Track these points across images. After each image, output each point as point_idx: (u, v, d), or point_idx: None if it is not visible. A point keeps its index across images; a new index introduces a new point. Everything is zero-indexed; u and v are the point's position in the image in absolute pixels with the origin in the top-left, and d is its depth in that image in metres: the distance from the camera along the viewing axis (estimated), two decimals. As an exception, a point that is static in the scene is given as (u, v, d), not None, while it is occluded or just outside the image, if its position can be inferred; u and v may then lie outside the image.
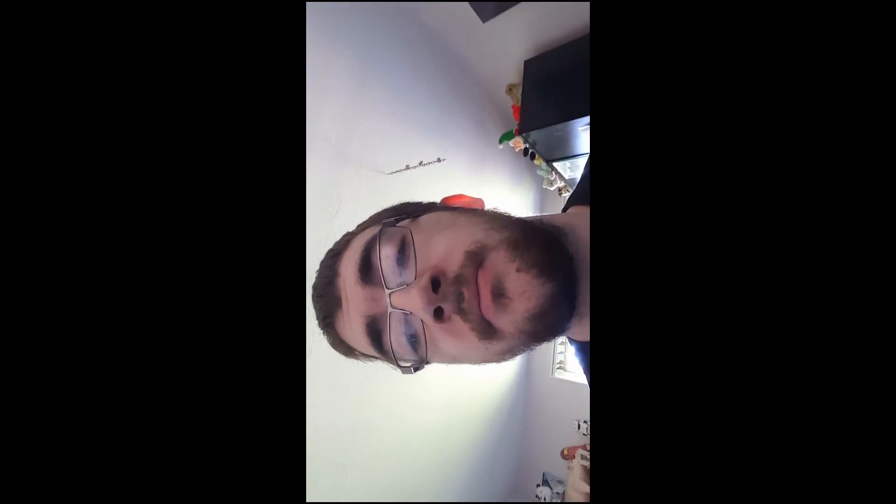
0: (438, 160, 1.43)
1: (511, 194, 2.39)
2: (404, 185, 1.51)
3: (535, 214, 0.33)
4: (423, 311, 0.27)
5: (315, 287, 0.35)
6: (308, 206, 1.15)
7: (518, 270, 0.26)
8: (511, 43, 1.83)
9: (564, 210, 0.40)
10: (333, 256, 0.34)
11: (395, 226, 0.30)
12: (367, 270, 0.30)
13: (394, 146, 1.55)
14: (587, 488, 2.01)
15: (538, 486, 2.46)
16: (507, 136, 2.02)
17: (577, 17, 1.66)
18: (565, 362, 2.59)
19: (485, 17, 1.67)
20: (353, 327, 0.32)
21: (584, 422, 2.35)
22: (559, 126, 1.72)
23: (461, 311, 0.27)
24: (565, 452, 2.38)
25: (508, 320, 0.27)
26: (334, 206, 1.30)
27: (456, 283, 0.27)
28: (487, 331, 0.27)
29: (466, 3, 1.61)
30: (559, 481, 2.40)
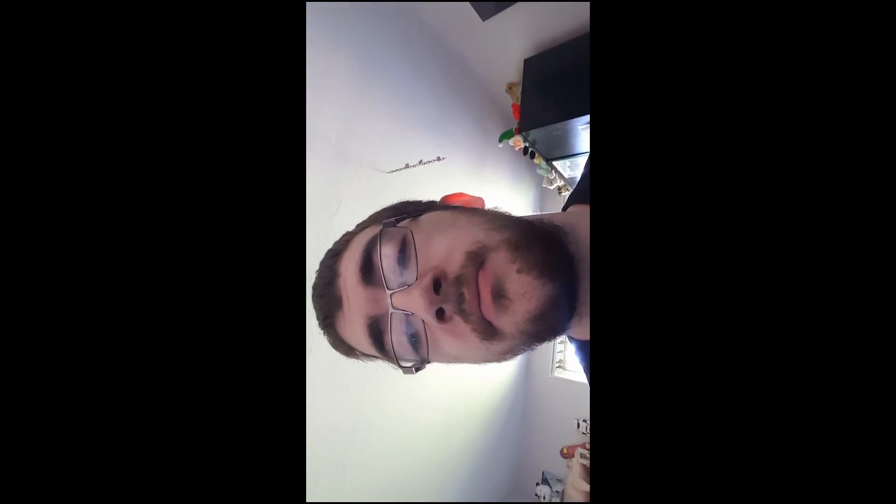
0: (438, 159, 1.42)
1: (511, 193, 2.39)
2: (404, 184, 1.51)
3: (535, 213, 0.33)
4: (425, 312, 0.27)
5: (315, 287, 0.35)
6: (308, 205, 1.15)
7: (519, 271, 0.26)
8: (511, 41, 1.83)
9: (564, 209, 0.40)
10: (333, 256, 0.34)
11: (395, 226, 0.30)
12: (369, 271, 0.30)
13: (393, 145, 1.55)
14: (587, 487, 2.01)
15: (538, 484, 2.47)
16: (506, 135, 2.02)
17: (577, 16, 1.66)
18: (565, 361, 2.59)
19: (485, 15, 1.66)
20: (355, 328, 0.32)
21: (584, 420, 2.35)
22: (559, 125, 1.72)
23: (462, 312, 0.27)
24: (564, 451, 2.38)
25: (509, 321, 0.27)
26: (334, 205, 1.30)
27: (457, 284, 0.27)
28: (488, 331, 0.27)
29: (466, 2, 1.61)
30: (558, 480, 2.40)
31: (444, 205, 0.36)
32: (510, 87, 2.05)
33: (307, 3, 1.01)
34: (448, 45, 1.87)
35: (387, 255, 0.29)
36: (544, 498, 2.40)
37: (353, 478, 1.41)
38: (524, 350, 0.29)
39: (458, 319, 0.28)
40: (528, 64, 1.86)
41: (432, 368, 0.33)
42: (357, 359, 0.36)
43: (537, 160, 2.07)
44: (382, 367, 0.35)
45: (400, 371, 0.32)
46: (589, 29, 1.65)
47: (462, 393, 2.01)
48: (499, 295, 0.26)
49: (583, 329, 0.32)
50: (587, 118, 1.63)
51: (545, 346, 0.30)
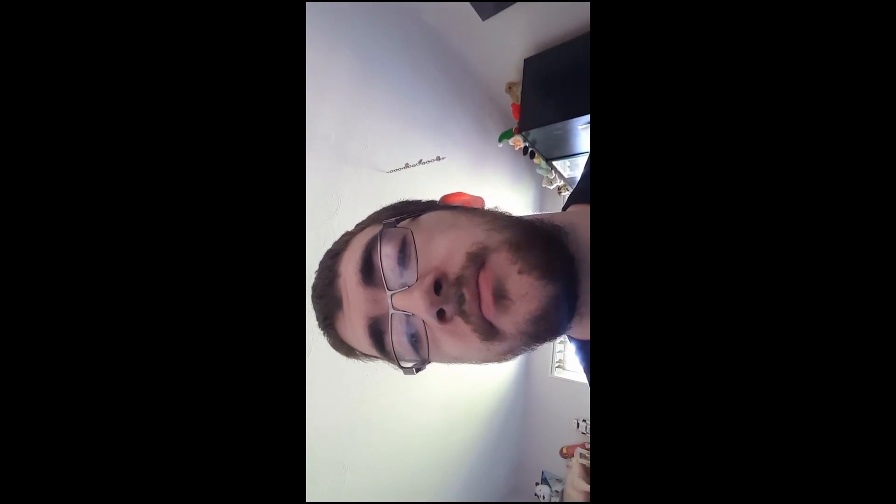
0: (438, 158, 1.42)
1: (511, 193, 2.39)
2: (404, 183, 1.51)
3: (535, 213, 0.33)
4: (426, 314, 0.27)
5: (315, 288, 0.35)
6: (308, 205, 1.15)
7: (520, 272, 0.26)
8: (511, 41, 1.83)
9: (564, 209, 0.40)
10: (333, 257, 0.34)
11: (395, 226, 0.30)
12: (369, 272, 0.30)
13: (393, 145, 1.55)
14: (586, 487, 2.01)
15: (537, 484, 2.47)
16: (506, 135, 2.02)
17: (578, 16, 1.66)
18: (564, 361, 2.59)
19: (485, 15, 1.66)
20: (355, 328, 0.32)
21: (583, 420, 2.35)
22: (559, 125, 1.72)
23: (462, 313, 0.27)
24: (564, 451, 2.38)
25: (510, 322, 0.27)
26: (334, 205, 1.30)
27: (457, 285, 0.27)
28: (489, 332, 0.27)
29: (466, 2, 1.61)
30: (558, 480, 2.40)
31: (444, 204, 0.36)
32: (510, 87, 2.05)
33: (307, 2, 1.01)
34: (448, 44, 1.87)
35: (387, 256, 0.29)
36: (544, 498, 2.40)
37: (353, 477, 1.41)
38: (524, 350, 0.29)
39: (458, 320, 0.28)
40: (528, 64, 1.86)
41: (432, 368, 0.33)
42: (357, 359, 0.36)
43: (537, 160, 2.07)
44: (382, 367, 0.35)
45: (400, 372, 0.32)
46: (589, 29, 1.65)
47: (462, 393, 2.01)
48: (500, 295, 0.26)
49: (583, 329, 0.32)
50: (587, 118, 1.63)
51: (545, 346, 0.30)
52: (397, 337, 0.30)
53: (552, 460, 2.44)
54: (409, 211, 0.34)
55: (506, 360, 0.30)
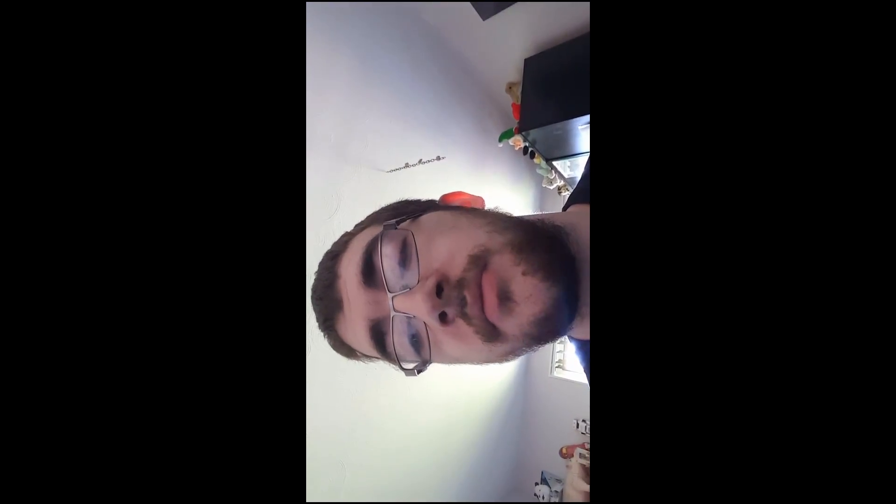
0: (438, 158, 1.42)
1: (511, 192, 2.39)
2: (404, 183, 1.51)
3: (535, 213, 0.33)
4: (428, 316, 0.27)
5: (314, 289, 0.35)
6: (307, 205, 1.15)
7: (524, 274, 0.26)
8: (511, 41, 1.83)
9: (565, 209, 0.40)
10: (332, 258, 0.34)
11: (396, 228, 0.30)
12: (370, 274, 0.30)
13: (393, 144, 1.54)
14: (586, 487, 2.01)
15: (537, 484, 2.47)
16: (506, 135, 2.02)
17: (578, 16, 1.66)
18: (564, 361, 2.59)
19: (485, 15, 1.66)
20: (356, 330, 0.32)
21: (583, 420, 2.35)
22: (559, 125, 1.72)
23: (464, 315, 0.27)
24: (564, 451, 2.38)
25: (514, 323, 0.27)
26: (333, 205, 1.30)
27: (459, 288, 0.27)
28: (491, 333, 0.27)
29: (467, 2, 1.61)
30: (557, 480, 2.40)
31: (444, 204, 0.36)
32: (510, 87, 2.05)
33: (307, 2, 1.01)
34: (448, 44, 1.87)
35: (388, 258, 0.29)
36: (543, 498, 2.40)
37: (352, 477, 1.41)
38: (526, 351, 0.29)
39: (460, 322, 0.27)
40: (529, 63, 1.86)
41: (432, 368, 0.33)
42: (358, 360, 0.36)
43: (537, 160, 2.07)
44: (382, 367, 0.35)
45: (402, 373, 0.32)
46: (589, 29, 1.65)
47: (461, 393, 2.01)
48: (504, 297, 0.26)
49: (583, 329, 0.32)
50: (587, 118, 1.63)
51: (545, 346, 0.30)
52: (398, 338, 0.30)
53: (552, 460, 2.44)
54: (408, 211, 0.34)
55: (507, 360, 0.30)
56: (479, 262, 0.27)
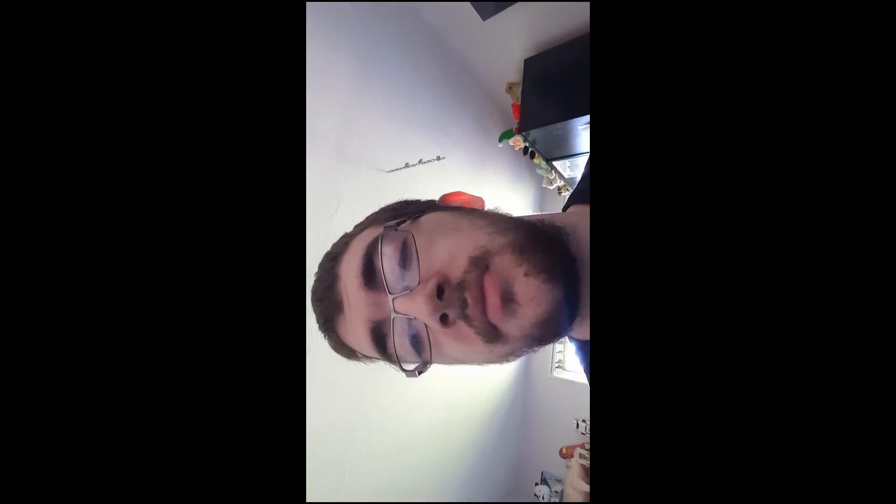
0: (438, 158, 1.42)
1: (511, 193, 2.39)
2: (404, 183, 1.51)
3: (535, 213, 0.33)
4: (429, 318, 0.27)
5: (314, 291, 0.35)
6: (307, 205, 1.15)
7: (526, 275, 0.26)
8: (511, 41, 1.83)
9: (565, 209, 0.40)
10: (332, 259, 0.34)
11: (396, 229, 0.30)
12: (370, 275, 0.30)
13: (393, 144, 1.54)
14: (586, 487, 2.01)
15: (537, 484, 2.47)
16: (506, 135, 2.02)
17: (578, 16, 1.66)
18: (564, 361, 2.59)
19: (485, 15, 1.66)
20: (357, 332, 0.32)
21: (583, 420, 2.35)
22: (559, 125, 1.72)
23: (465, 317, 0.27)
24: (564, 451, 2.38)
25: (516, 325, 0.27)
26: (333, 205, 1.30)
27: (459, 290, 0.27)
28: (492, 334, 0.27)
29: (467, 2, 1.61)
30: (557, 480, 2.40)
31: (444, 205, 0.36)
32: (510, 87, 2.05)
33: (307, 2, 1.01)
34: (448, 44, 1.87)
35: (388, 259, 0.29)
36: (543, 498, 2.40)
37: (352, 477, 1.41)
38: (526, 352, 0.29)
39: (461, 323, 0.27)
40: (529, 64, 1.86)
41: (432, 368, 0.33)
42: (358, 361, 0.36)
43: (537, 160, 2.07)
44: (382, 368, 0.35)
45: (403, 374, 0.32)
46: (589, 29, 1.65)
47: (461, 393, 2.01)
48: (508, 299, 0.26)
49: (583, 329, 0.32)
50: (587, 118, 1.63)
51: (545, 347, 0.30)
52: (399, 339, 0.30)
53: (552, 460, 2.44)
54: (408, 212, 0.34)
55: (507, 361, 0.30)
56: (480, 263, 0.27)
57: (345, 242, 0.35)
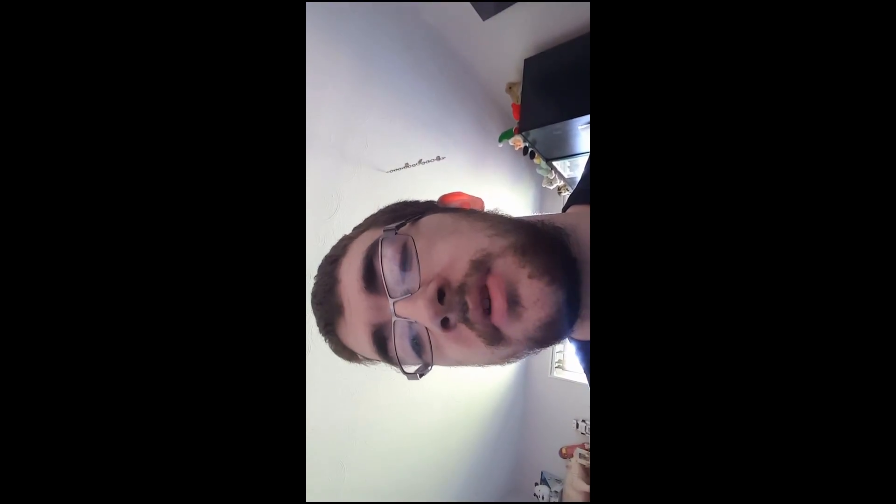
0: (438, 158, 1.42)
1: (511, 192, 2.39)
2: (404, 182, 1.51)
3: (535, 214, 0.33)
4: (430, 322, 0.27)
5: (315, 294, 0.35)
6: (307, 204, 1.15)
7: (530, 277, 0.26)
8: (511, 41, 1.83)
9: (565, 209, 0.40)
10: (332, 262, 0.34)
11: (396, 232, 0.30)
12: (371, 279, 0.30)
13: (393, 144, 1.54)
14: (585, 487, 2.01)
15: (536, 484, 2.47)
16: (506, 135, 2.02)
17: (578, 16, 1.66)
18: (564, 361, 2.59)
19: (485, 15, 1.66)
20: (358, 335, 0.32)
21: (583, 421, 2.35)
22: (559, 125, 1.72)
23: (466, 321, 0.27)
24: (563, 451, 2.38)
25: (519, 328, 0.27)
26: (333, 204, 1.30)
27: (460, 293, 0.27)
28: (494, 337, 0.27)
29: (467, 2, 1.61)
30: (557, 480, 2.40)
31: (444, 206, 0.36)
32: (510, 87, 2.05)
33: (307, 2, 1.01)
34: (448, 44, 1.87)
35: (388, 263, 0.29)
36: (543, 498, 2.40)
37: (352, 477, 1.41)
38: (528, 354, 0.29)
39: (462, 327, 0.27)
40: (529, 64, 1.86)
41: (433, 369, 0.33)
42: (359, 363, 0.36)
43: (537, 160, 2.07)
44: (382, 368, 0.35)
45: (404, 376, 0.32)
46: (589, 29, 1.65)
47: (461, 393, 2.01)
48: (513, 302, 0.26)
49: (583, 330, 0.32)
50: (587, 118, 1.63)
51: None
52: (400, 341, 0.30)
53: (551, 460, 2.44)
54: (407, 214, 0.33)
55: (509, 363, 0.30)
56: (482, 266, 0.27)
57: (344, 245, 0.34)
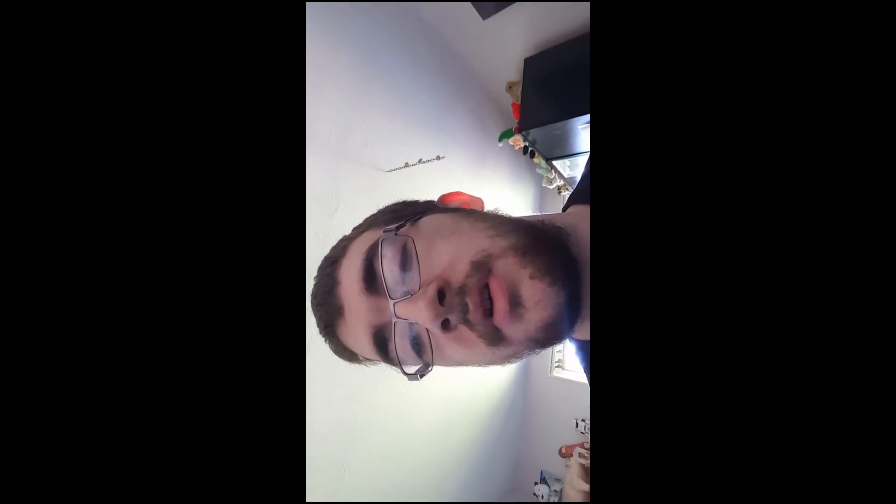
0: (438, 158, 1.42)
1: (510, 192, 2.39)
2: (404, 182, 1.51)
3: (535, 214, 0.33)
4: (431, 324, 0.27)
5: (314, 296, 0.35)
6: (307, 203, 1.15)
7: (532, 278, 0.26)
8: (511, 40, 1.83)
9: (565, 209, 0.40)
10: (332, 264, 0.34)
11: (396, 233, 0.30)
12: (371, 280, 0.30)
13: (393, 143, 1.54)
14: (585, 486, 2.02)
15: (536, 484, 2.47)
16: (506, 134, 2.02)
17: (578, 16, 1.66)
18: (563, 361, 2.59)
19: (485, 14, 1.66)
20: (359, 336, 0.32)
21: (582, 420, 2.35)
22: (559, 124, 1.72)
23: (467, 322, 0.27)
24: (563, 450, 2.38)
25: (521, 329, 0.27)
26: (333, 204, 1.30)
27: (461, 294, 0.27)
28: (495, 337, 0.27)
29: (467, 1, 1.60)
30: (557, 479, 2.41)
31: (443, 206, 0.36)
32: (510, 86, 2.05)
33: (307, 1, 1.01)
34: (448, 43, 1.87)
35: (388, 264, 0.29)
36: (542, 497, 2.41)
37: (352, 477, 1.41)
38: (528, 355, 0.29)
39: (462, 328, 0.27)
40: (529, 63, 1.85)
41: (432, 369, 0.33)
42: (360, 364, 0.36)
43: (537, 159, 2.07)
44: (382, 368, 0.35)
45: (405, 377, 0.32)
46: (589, 28, 1.64)
47: (461, 392, 2.01)
48: (515, 303, 0.26)
49: (583, 329, 0.32)
50: (587, 118, 1.63)
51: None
52: (400, 342, 0.30)
53: (551, 460, 2.44)
54: (407, 214, 0.33)
55: (510, 363, 0.30)
56: (483, 267, 0.27)
57: (343, 246, 0.34)
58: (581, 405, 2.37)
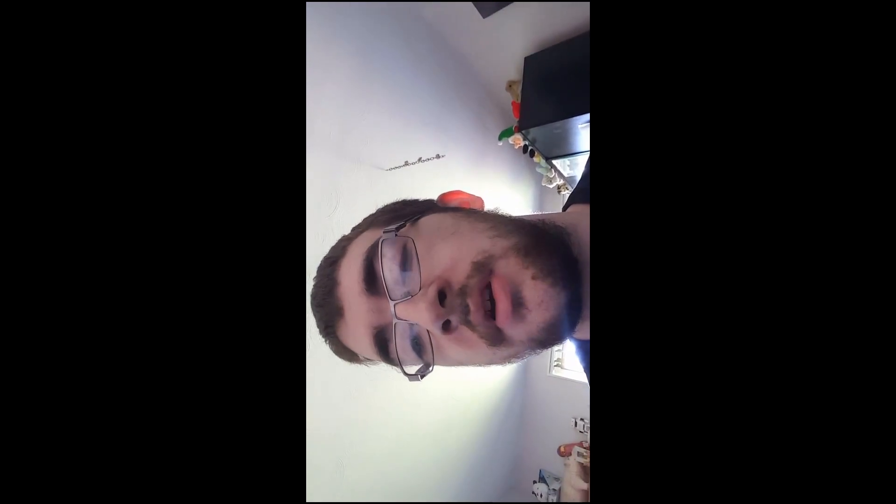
0: (438, 156, 1.42)
1: (510, 191, 2.39)
2: (403, 180, 1.50)
3: (535, 213, 0.33)
4: (431, 325, 0.26)
5: (314, 296, 0.35)
6: (306, 202, 1.15)
7: (534, 278, 0.26)
8: (511, 39, 1.83)
9: (565, 209, 0.39)
10: (331, 264, 0.34)
11: (395, 235, 0.30)
12: (371, 281, 0.29)
13: (393, 141, 1.54)
14: (584, 485, 2.02)
15: (535, 482, 2.48)
16: (506, 133, 2.02)
17: (578, 14, 1.65)
18: (563, 360, 2.59)
19: (485, 12, 1.66)
20: (359, 337, 0.32)
21: (581, 419, 2.36)
22: (559, 123, 1.72)
23: (467, 323, 0.27)
24: (562, 449, 2.39)
25: (523, 330, 0.27)
26: (333, 202, 1.30)
27: (461, 295, 0.27)
28: (496, 338, 0.27)
29: (468, 0, 1.60)
30: (556, 478, 2.41)
31: (443, 205, 0.36)
32: (510, 85, 2.05)
33: (307, 1, 1.00)
34: (448, 42, 1.87)
35: (388, 265, 0.29)
36: (541, 496, 2.41)
37: (351, 476, 1.41)
38: (529, 355, 0.29)
39: (463, 328, 0.27)
40: (529, 62, 1.85)
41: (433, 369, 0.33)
42: (360, 364, 0.36)
43: (537, 159, 2.07)
44: (381, 367, 0.35)
45: (405, 378, 0.32)
46: (589, 27, 1.64)
47: (460, 391, 2.01)
48: (517, 304, 0.26)
49: (583, 329, 0.32)
50: (587, 117, 1.63)
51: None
52: (401, 342, 0.30)
53: (550, 458, 2.45)
54: (407, 213, 0.33)
55: (510, 363, 0.30)
56: (484, 268, 0.27)
57: (343, 247, 0.34)
58: (580, 404, 2.37)
